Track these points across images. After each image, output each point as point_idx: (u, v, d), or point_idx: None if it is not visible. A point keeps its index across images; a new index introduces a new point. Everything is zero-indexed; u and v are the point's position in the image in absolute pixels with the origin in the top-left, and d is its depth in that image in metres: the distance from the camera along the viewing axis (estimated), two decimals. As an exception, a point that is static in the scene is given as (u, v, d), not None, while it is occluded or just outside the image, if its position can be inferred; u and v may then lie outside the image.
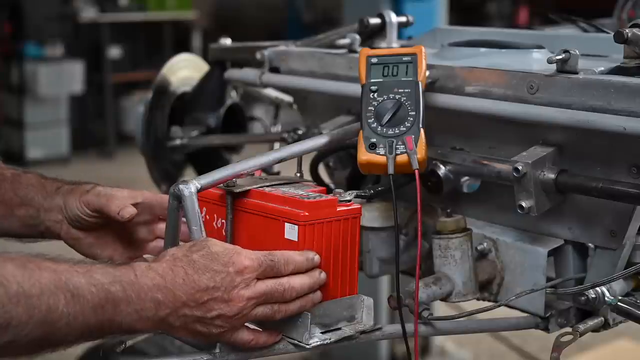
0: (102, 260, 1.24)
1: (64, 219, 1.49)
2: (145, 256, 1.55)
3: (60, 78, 8.02)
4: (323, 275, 1.30)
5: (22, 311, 1.07)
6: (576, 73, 1.34)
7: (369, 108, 1.42)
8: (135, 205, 1.46)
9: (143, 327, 1.19)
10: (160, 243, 1.54)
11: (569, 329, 1.43)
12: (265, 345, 1.29)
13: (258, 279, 1.23)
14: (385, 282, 3.80)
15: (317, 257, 1.29)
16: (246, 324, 1.26)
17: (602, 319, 1.45)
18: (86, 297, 1.13)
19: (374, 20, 1.77)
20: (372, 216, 1.61)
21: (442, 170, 1.53)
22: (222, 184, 1.36)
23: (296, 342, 1.31)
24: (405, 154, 1.36)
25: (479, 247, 1.52)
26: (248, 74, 1.91)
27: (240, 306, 1.21)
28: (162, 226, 1.52)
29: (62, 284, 1.11)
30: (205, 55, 2.15)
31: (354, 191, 1.43)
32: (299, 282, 1.27)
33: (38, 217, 1.50)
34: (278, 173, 1.69)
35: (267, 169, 1.58)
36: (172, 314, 1.19)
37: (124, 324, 1.16)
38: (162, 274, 1.19)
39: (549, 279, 1.48)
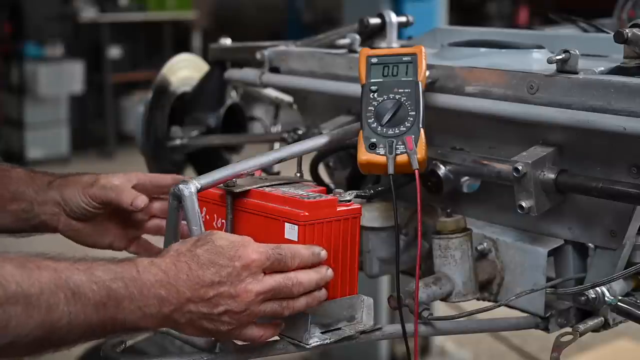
0: (104, 257, 1.23)
1: (62, 212, 1.49)
2: (143, 236, 1.58)
3: (60, 78, 8.02)
4: (330, 272, 1.28)
5: (21, 311, 1.06)
6: (576, 73, 1.34)
7: (369, 108, 1.42)
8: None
9: (147, 324, 1.17)
10: (156, 221, 1.57)
11: (569, 329, 1.43)
12: (273, 337, 1.28)
13: (265, 273, 1.21)
14: (385, 282, 3.80)
15: (323, 253, 1.27)
16: None
17: (602, 319, 1.45)
18: (87, 295, 1.11)
19: (374, 20, 1.77)
20: (372, 216, 1.61)
21: (442, 170, 1.53)
22: (222, 184, 1.36)
23: (296, 342, 1.31)
24: (405, 154, 1.36)
25: (479, 247, 1.52)
26: (248, 74, 1.91)
27: (248, 301, 1.19)
28: (156, 205, 1.55)
29: (62, 283, 1.10)
30: (205, 55, 2.15)
31: (354, 191, 1.43)
32: (307, 277, 1.24)
33: (32, 210, 1.50)
34: (278, 173, 1.69)
35: (267, 169, 1.58)
36: (176, 310, 1.16)
37: (127, 321, 1.15)
38: (165, 269, 1.17)
39: (549, 279, 1.48)
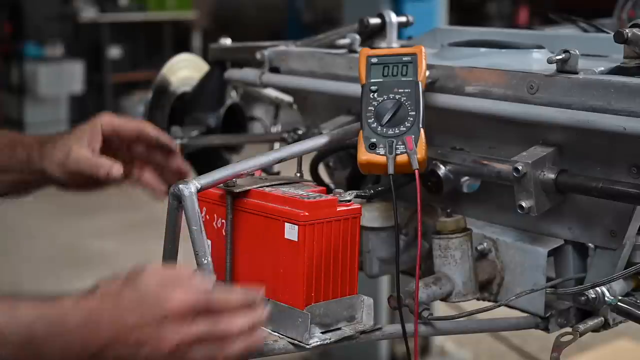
0: (34, 292, 1.22)
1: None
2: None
3: (60, 78, 8.03)
4: (266, 312, 1.21)
5: None
6: (576, 73, 1.34)
7: (369, 108, 1.42)
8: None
9: None
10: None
11: (569, 329, 1.43)
12: None
13: (193, 319, 1.15)
14: (385, 282, 3.80)
15: (260, 295, 1.21)
16: None
17: (602, 319, 1.45)
18: (8, 337, 1.11)
19: (374, 20, 1.77)
20: (372, 216, 1.61)
21: (442, 170, 1.53)
22: (222, 184, 1.36)
23: (296, 342, 1.31)
24: (405, 154, 1.36)
25: (479, 247, 1.52)
26: (248, 74, 1.91)
27: (169, 350, 1.14)
28: (136, 149, 1.67)
29: None
30: (205, 55, 2.15)
31: (354, 191, 1.43)
32: (238, 323, 1.18)
33: (32, 160, 1.60)
34: (278, 173, 1.69)
35: (267, 169, 1.58)
36: (99, 353, 1.14)
37: None
38: (89, 311, 1.15)
39: (549, 279, 1.48)
